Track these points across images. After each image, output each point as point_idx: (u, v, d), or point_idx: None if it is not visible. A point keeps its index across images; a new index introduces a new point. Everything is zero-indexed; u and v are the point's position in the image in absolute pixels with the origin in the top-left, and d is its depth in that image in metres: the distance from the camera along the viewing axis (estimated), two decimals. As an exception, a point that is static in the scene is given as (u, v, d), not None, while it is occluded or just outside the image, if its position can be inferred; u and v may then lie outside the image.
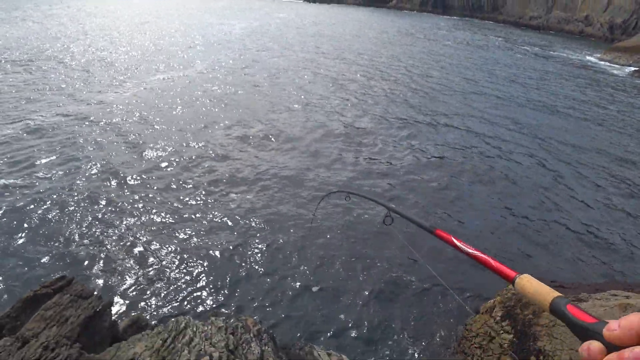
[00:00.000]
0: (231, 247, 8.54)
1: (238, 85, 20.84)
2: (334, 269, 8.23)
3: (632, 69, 38.41)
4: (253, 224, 9.40)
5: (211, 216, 9.63)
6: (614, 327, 0.85)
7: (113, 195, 10.18)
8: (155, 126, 14.75)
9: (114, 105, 16.60)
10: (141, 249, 8.34)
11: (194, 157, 12.58)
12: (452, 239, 2.02)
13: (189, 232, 9.00)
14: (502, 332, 5.88)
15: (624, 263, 9.42)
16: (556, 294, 1.23)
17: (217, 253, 8.38)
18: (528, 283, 1.37)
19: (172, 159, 12.39)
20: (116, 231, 8.80)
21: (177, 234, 8.89)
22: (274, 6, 78.34)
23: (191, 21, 44.39)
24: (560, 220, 10.93)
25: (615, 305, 4.64)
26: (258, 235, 9.04)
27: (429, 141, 15.60)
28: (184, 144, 13.41)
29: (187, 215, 9.58)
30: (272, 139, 14.43)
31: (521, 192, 12.37)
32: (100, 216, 9.28)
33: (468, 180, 12.78)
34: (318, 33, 44.51)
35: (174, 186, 10.86)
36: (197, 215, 9.64)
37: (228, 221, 9.48)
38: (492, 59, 38.12)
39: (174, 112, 16.32)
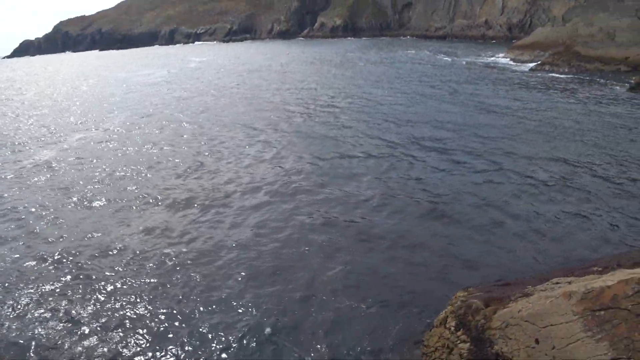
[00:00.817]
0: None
1: (161, 135, 20.27)
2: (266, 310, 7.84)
3: (533, 64, 41.21)
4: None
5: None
6: None
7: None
8: (76, 188, 13.94)
9: (29, 172, 15.64)
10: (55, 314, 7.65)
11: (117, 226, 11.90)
12: None
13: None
14: (458, 342, 5.76)
15: (559, 246, 9.70)
16: None
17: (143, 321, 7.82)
18: None
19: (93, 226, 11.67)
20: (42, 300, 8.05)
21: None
22: (190, 51, 78.01)
23: (111, 73, 43.08)
24: (491, 217, 11.16)
25: (559, 294, 4.62)
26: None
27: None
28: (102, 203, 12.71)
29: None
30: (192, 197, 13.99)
31: (442, 194, 12.60)
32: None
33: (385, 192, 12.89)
34: (234, 71, 44.53)
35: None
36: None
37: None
38: (405, 69, 39.68)
39: (97, 172, 15.54)
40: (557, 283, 5.43)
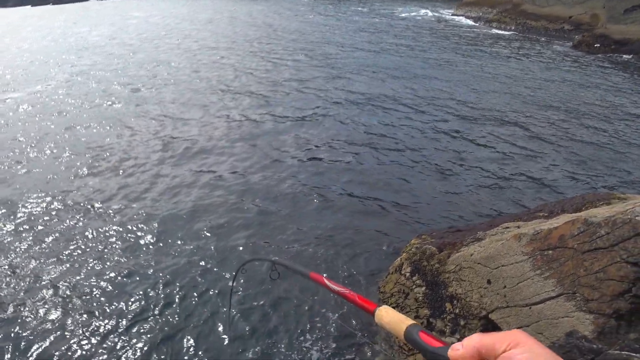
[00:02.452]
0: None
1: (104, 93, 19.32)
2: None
3: (481, 22, 41.79)
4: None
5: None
6: (457, 348, 0.96)
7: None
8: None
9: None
10: None
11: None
12: (324, 279, 2.12)
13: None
14: (414, 286, 5.97)
15: (505, 195, 10.14)
16: (410, 322, 1.32)
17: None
18: (385, 314, 1.46)
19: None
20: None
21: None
22: (128, 5, 73.77)
23: (44, 33, 40.13)
24: (437, 169, 11.47)
25: (510, 237, 4.83)
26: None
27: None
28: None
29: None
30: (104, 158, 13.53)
31: (394, 150, 12.82)
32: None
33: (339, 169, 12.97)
34: (179, 27, 42.58)
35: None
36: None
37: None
38: (359, 24, 39.27)
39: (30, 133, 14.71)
40: (507, 227, 5.67)
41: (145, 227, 8.94)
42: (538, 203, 9.34)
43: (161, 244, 8.43)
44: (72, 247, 8.33)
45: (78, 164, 11.90)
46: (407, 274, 6.11)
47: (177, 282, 7.41)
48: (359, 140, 13.26)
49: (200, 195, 10.15)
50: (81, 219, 9.29)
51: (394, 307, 6.20)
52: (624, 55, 26.45)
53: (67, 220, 9.21)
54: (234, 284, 6.96)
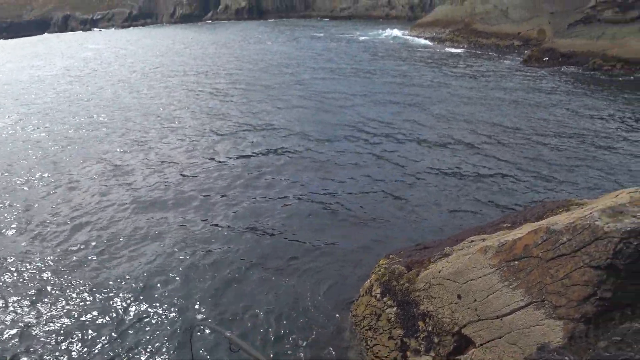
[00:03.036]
0: None
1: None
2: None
3: (435, 41, 43.20)
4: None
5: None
6: None
7: None
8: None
9: None
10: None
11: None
12: None
13: None
14: (385, 307, 5.91)
15: (468, 207, 10.28)
16: None
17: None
18: None
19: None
20: None
21: None
22: (87, 38, 72.88)
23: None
24: (399, 186, 11.57)
25: (476, 250, 4.85)
26: None
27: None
28: None
29: None
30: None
31: (345, 163, 12.88)
32: None
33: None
34: (130, 57, 42.18)
35: None
36: None
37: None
38: (316, 48, 39.77)
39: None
40: (472, 241, 5.70)
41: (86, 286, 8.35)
42: (501, 213, 9.50)
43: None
44: None
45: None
46: (378, 295, 6.04)
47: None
48: (314, 167, 13.20)
49: (157, 248, 9.85)
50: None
51: (366, 329, 6.12)
52: (571, 67, 27.62)
53: None
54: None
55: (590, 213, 4.12)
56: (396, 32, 53.42)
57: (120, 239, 9.60)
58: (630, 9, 28.10)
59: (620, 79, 24.24)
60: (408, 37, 48.55)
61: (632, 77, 24.30)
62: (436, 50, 38.20)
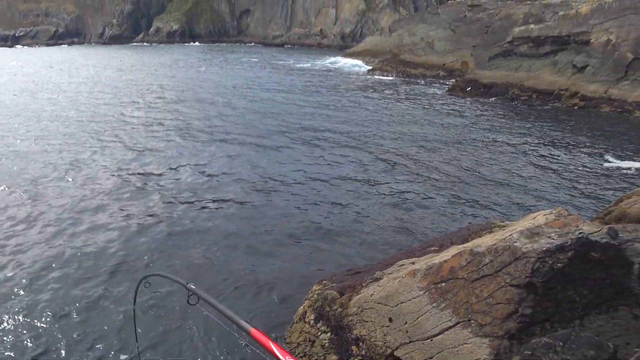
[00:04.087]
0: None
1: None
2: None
3: (366, 70, 44.83)
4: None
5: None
6: None
7: None
8: None
9: None
10: None
11: None
12: (270, 343, 1.78)
13: None
14: (319, 333, 5.88)
15: (398, 230, 10.55)
16: None
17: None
18: None
19: None
20: None
21: None
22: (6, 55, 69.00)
23: None
24: (326, 211, 11.73)
25: (405, 274, 4.97)
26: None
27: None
28: None
29: None
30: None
31: (270, 188, 12.95)
32: None
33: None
34: (58, 78, 40.26)
35: None
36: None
37: None
38: (249, 75, 39.91)
39: None
40: (402, 265, 5.84)
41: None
42: (428, 236, 9.82)
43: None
44: None
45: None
46: (312, 321, 6.02)
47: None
48: (244, 192, 13.14)
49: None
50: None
51: (301, 356, 6.07)
52: (491, 98, 29.50)
53: None
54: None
55: (510, 235, 4.37)
56: (327, 61, 54.86)
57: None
58: (543, 45, 30.49)
59: (538, 107, 26.16)
60: (339, 66, 49.97)
61: (548, 107, 26.28)
62: (367, 77, 39.58)
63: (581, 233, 4.09)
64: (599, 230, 4.30)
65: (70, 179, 13.96)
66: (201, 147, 17.58)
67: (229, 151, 17.11)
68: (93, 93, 31.74)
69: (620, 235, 4.47)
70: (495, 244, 4.29)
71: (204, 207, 12.00)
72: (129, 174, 14.39)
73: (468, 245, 5.21)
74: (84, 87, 34.51)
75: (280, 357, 1.65)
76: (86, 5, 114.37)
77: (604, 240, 4.12)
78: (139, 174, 14.46)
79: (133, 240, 10.14)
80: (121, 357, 6.55)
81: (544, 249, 3.91)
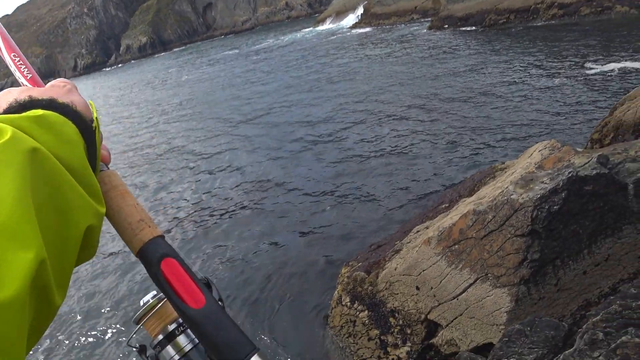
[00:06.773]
0: None
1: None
2: None
3: (341, 28, 44.61)
4: None
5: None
6: None
7: None
8: None
9: None
10: None
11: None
12: None
13: None
14: (358, 313, 6.28)
15: (407, 190, 10.77)
16: None
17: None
18: None
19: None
20: None
21: None
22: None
23: None
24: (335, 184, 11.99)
25: (421, 243, 5.30)
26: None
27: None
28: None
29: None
30: None
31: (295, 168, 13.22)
32: None
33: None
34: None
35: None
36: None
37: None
38: (228, 73, 39.93)
39: None
40: (418, 232, 6.17)
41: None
42: (435, 190, 10.08)
43: None
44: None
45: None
46: (348, 304, 6.40)
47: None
48: (246, 180, 13.46)
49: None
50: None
51: (346, 337, 6.48)
52: (469, 27, 29.41)
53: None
54: None
55: (507, 187, 4.65)
56: (299, 30, 54.58)
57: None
58: (509, -38, 30.02)
59: (513, 30, 25.97)
60: (316, 31, 49.79)
61: (522, 27, 26.08)
62: (346, 34, 39.56)
63: (571, 172, 4.36)
64: (589, 161, 4.56)
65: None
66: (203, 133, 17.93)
67: (227, 145, 17.44)
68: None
69: (610, 159, 4.74)
70: (494, 200, 4.58)
71: (207, 207, 12.39)
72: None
73: (473, 199, 5.52)
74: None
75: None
76: (51, 44, 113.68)
77: (595, 171, 4.38)
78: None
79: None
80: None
81: (539, 195, 4.20)
